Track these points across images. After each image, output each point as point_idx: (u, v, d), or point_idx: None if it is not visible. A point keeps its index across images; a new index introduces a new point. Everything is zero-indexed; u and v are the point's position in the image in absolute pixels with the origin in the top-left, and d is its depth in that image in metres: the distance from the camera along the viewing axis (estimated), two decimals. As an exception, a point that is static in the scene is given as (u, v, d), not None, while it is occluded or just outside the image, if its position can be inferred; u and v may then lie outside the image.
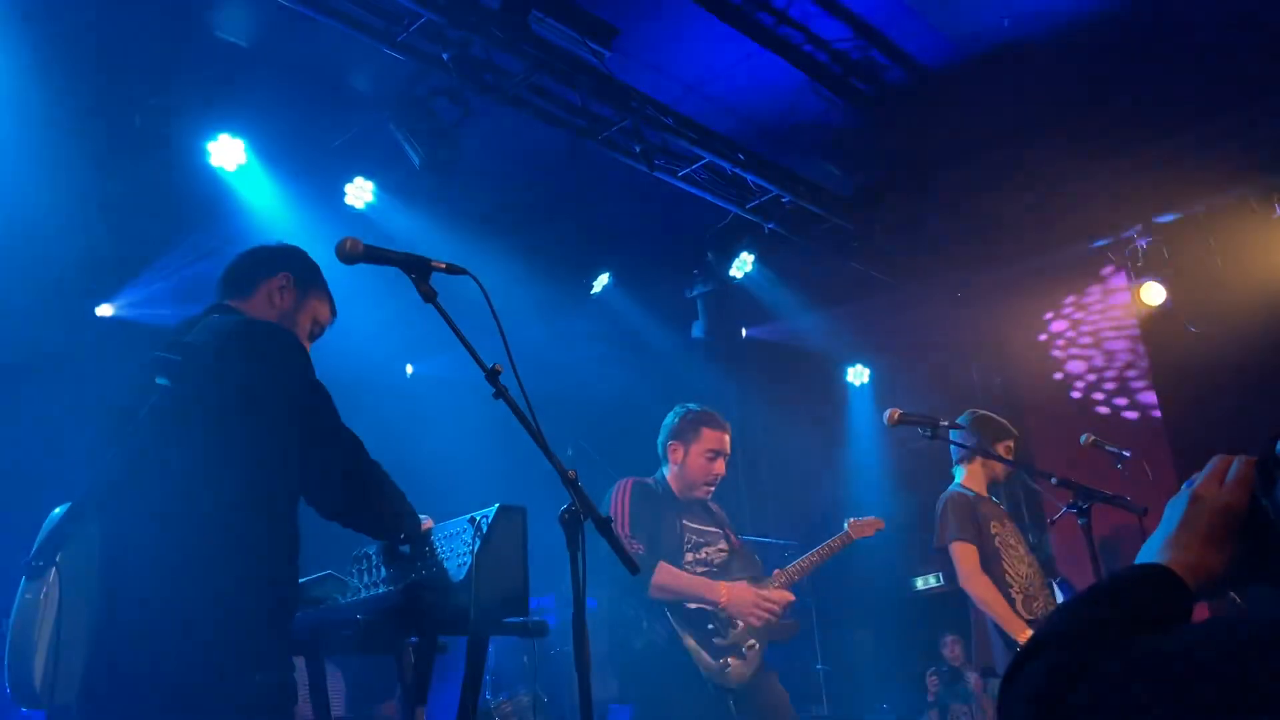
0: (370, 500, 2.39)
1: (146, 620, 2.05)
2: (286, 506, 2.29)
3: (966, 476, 4.69)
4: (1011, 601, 4.35)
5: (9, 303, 5.06)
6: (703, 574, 4.00)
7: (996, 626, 4.34)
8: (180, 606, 2.05)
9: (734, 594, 3.94)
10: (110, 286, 6.15)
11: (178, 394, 2.22)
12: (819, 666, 6.98)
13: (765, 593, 4.03)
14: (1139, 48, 5.51)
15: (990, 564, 4.43)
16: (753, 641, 3.98)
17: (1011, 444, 4.69)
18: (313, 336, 2.68)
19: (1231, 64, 5.65)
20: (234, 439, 2.20)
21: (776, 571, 4.21)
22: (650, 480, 4.22)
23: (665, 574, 3.89)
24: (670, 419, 4.29)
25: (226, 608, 2.09)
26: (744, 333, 8.27)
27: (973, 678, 6.58)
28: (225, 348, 2.28)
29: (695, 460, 4.15)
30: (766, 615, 3.95)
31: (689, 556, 4.02)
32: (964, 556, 4.42)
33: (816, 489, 8.22)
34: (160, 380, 2.24)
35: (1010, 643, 4.27)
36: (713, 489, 4.22)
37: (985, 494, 4.67)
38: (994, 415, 4.77)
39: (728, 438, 4.24)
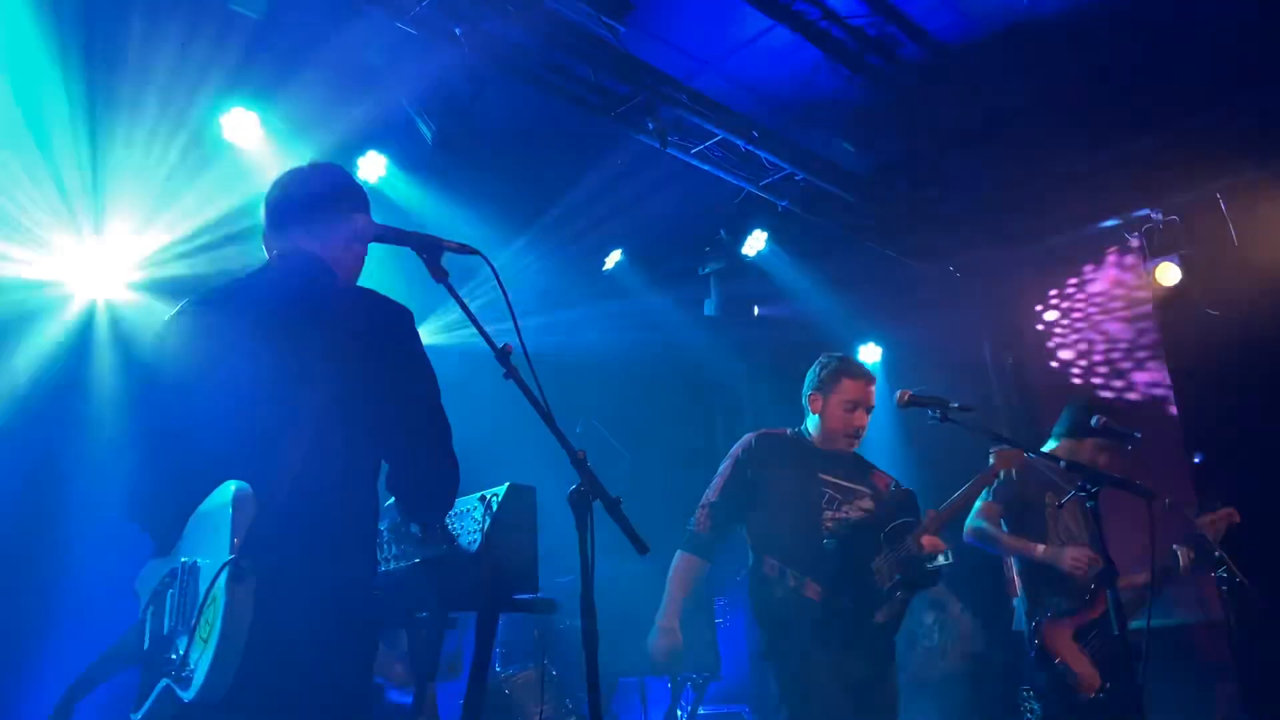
0: (447, 494, 2.31)
1: (295, 607, 1.96)
2: None
3: (1060, 447, 4.67)
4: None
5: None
6: (837, 529, 3.85)
7: (1022, 571, 4.47)
8: (323, 597, 1.99)
9: None
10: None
11: (340, 371, 2.14)
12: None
13: None
14: (1158, 24, 5.44)
15: (1026, 525, 4.48)
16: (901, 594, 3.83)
17: None
18: None
19: (1251, 41, 5.57)
20: (377, 426, 2.18)
21: (930, 513, 3.92)
22: (786, 431, 4.14)
23: (678, 566, 3.93)
24: (812, 369, 4.19)
25: (358, 605, 2.08)
26: (756, 310, 8.24)
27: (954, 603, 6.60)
28: (380, 326, 2.24)
29: (834, 411, 4.07)
30: None
31: (828, 514, 3.89)
32: (982, 508, 4.50)
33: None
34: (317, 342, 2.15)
35: (1030, 587, 4.39)
36: (856, 441, 4.10)
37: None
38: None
39: (871, 389, 4.13)
